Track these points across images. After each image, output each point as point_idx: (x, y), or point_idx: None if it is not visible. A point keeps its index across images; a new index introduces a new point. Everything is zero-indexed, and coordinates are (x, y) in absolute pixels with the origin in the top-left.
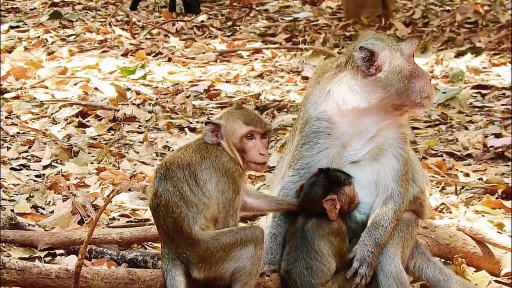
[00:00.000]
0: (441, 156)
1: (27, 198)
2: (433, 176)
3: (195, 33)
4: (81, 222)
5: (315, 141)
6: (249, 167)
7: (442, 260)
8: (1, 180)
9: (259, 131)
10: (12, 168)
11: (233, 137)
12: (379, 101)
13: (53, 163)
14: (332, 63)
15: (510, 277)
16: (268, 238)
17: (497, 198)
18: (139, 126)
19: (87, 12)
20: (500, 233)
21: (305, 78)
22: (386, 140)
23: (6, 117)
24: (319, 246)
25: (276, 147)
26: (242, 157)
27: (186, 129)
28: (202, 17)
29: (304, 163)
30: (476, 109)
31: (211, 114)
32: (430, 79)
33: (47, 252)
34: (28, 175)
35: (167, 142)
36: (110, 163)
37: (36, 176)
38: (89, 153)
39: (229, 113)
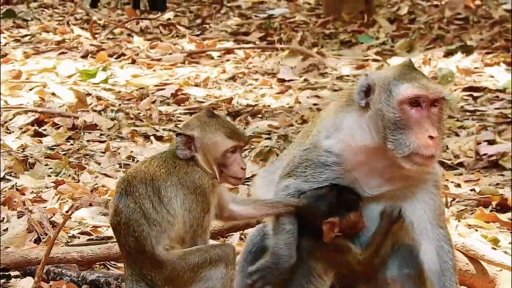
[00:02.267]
0: None
1: None
2: None
3: (161, 32)
4: (37, 241)
5: (321, 171)
6: (227, 181)
7: None
8: None
9: (242, 145)
10: None
11: (214, 152)
12: (380, 142)
13: (7, 176)
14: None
15: None
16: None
17: (491, 211)
18: (101, 134)
19: (43, 11)
20: (495, 249)
21: (281, 81)
22: (413, 183)
23: None
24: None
25: (251, 156)
26: (221, 171)
27: (152, 137)
28: (169, 15)
29: (307, 186)
30: (468, 114)
31: (179, 121)
32: (431, 137)
33: (1, 273)
34: None
35: (131, 152)
36: (69, 175)
37: None
38: (46, 165)
39: (204, 124)
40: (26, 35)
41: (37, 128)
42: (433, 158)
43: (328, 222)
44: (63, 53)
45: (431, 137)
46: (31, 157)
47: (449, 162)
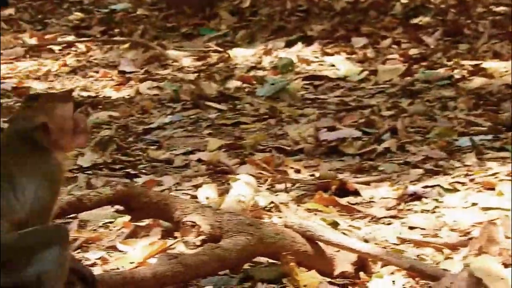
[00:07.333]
0: (270, 151)
1: None
2: (260, 173)
3: (2, 28)
4: None
5: None
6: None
7: (270, 260)
8: None
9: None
10: None
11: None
12: None
13: None
14: None
15: (344, 277)
16: None
17: (330, 194)
18: None
19: None
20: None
21: (122, 72)
22: None
23: None
24: None
25: (91, 145)
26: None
27: None
28: (10, 10)
29: None
30: (308, 102)
31: None
32: None
33: None
34: None
35: None
36: None
37: None
38: None
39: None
40: None
41: None
42: None
43: None
44: None
45: None
46: None
47: (289, 148)
